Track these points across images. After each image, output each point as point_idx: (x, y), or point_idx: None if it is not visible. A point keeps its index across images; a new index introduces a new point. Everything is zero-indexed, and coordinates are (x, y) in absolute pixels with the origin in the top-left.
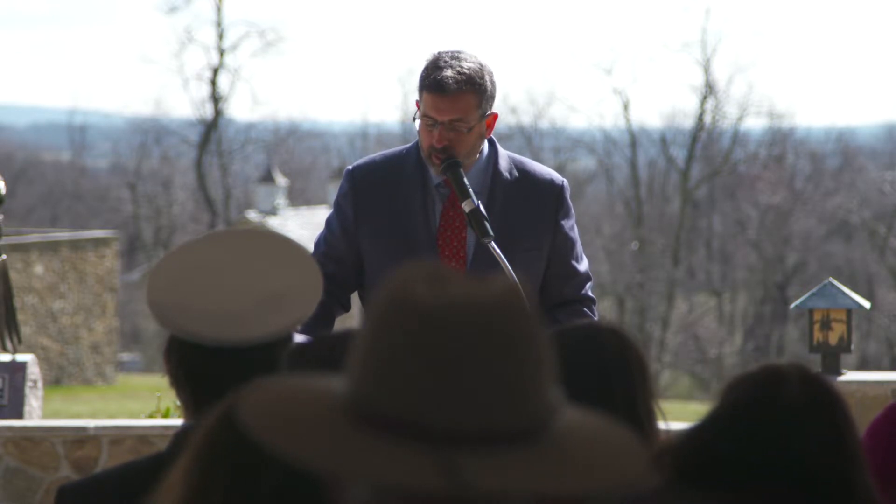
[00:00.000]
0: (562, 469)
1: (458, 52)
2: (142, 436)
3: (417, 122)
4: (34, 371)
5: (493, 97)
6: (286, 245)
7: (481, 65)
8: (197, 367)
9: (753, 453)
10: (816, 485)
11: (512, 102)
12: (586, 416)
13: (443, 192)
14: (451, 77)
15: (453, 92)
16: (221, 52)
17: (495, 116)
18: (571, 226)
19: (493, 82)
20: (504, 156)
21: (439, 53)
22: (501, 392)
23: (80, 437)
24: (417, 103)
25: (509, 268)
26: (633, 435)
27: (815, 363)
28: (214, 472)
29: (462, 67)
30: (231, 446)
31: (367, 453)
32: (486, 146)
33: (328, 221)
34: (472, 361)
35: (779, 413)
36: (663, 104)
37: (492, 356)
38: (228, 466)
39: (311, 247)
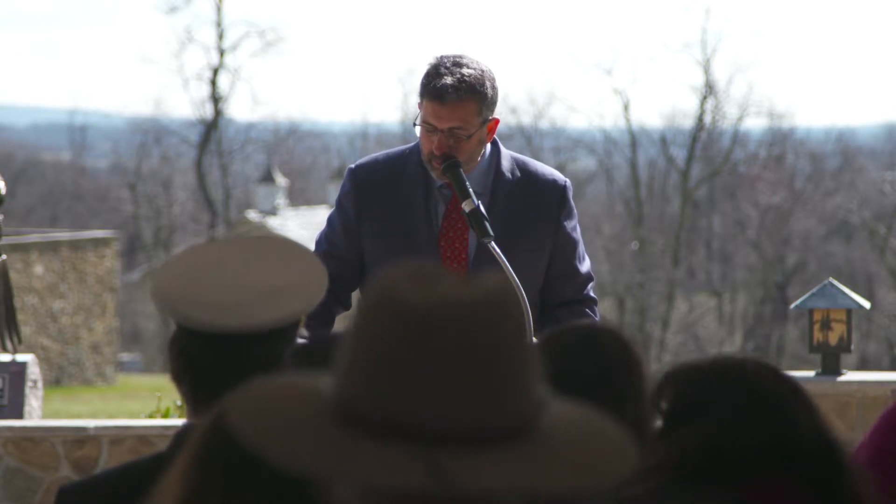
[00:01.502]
0: (548, 468)
1: (460, 56)
2: (142, 436)
3: (418, 127)
4: (34, 371)
5: (494, 103)
6: (292, 246)
7: (483, 71)
8: (197, 358)
9: (749, 448)
10: (805, 473)
11: (512, 102)
12: (574, 410)
13: (445, 192)
14: (451, 85)
15: (453, 100)
16: (221, 52)
17: (496, 121)
18: (574, 226)
19: (494, 88)
20: (506, 156)
21: (441, 58)
22: (487, 391)
23: (80, 437)
24: (420, 105)
25: (509, 268)
26: (621, 429)
27: (815, 363)
28: (212, 473)
29: (463, 74)
30: (228, 447)
31: (353, 454)
32: (488, 146)
33: (330, 220)
34: (456, 361)
35: (772, 409)
36: (663, 104)
37: (476, 356)
38: (226, 467)
39: (311, 246)
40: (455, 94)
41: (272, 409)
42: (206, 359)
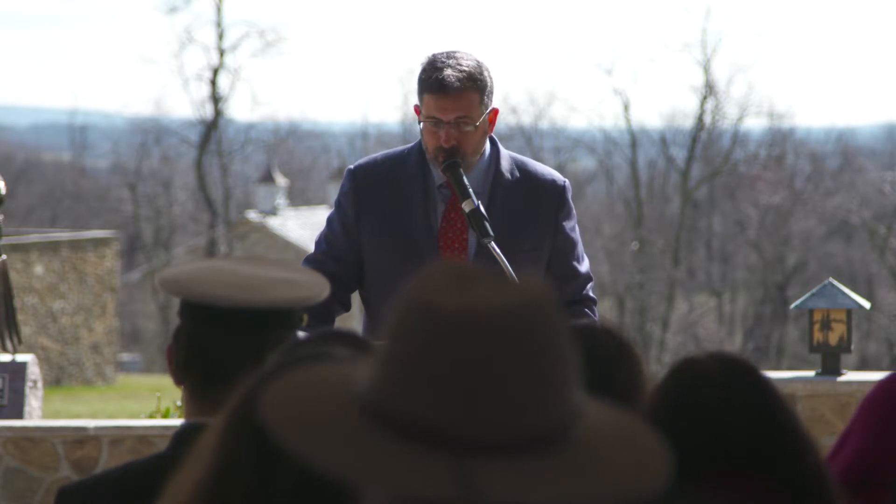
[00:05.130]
0: (584, 481)
1: (453, 51)
2: (142, 436)
3: (421, 124)
4: (34, 371)
5: (492, 92)
6: (291, 263)
7: (478, 61)
8: (206, 344)
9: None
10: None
11: (512, 102)
12: (608, 416)
13: (444, 192)
14: (452, 76)
15: (456, 90)
16: (221, 53)
17: (496, 112)
18: (573, 226)
19: (491, 77)
20: (506, 156)
21: (434, 55)
22: (521, 399)
23: (80, 438)
24: (416, 109)
25: (510, 268)
26: (655, 436)
27: (815, 363)
28: (241, 453)
29: (461, 65)
30: (257, 428)
31: (383, 460)
32: (487, 146)
33: (329, 220)
34: (490, 368)
35: (701, 414)
36: (663, 104)
37: (512, 362)
38: (255, 447)
39: (311, 246)
40: (458, 83)
41: (303, 406)
42: (216, 344)
